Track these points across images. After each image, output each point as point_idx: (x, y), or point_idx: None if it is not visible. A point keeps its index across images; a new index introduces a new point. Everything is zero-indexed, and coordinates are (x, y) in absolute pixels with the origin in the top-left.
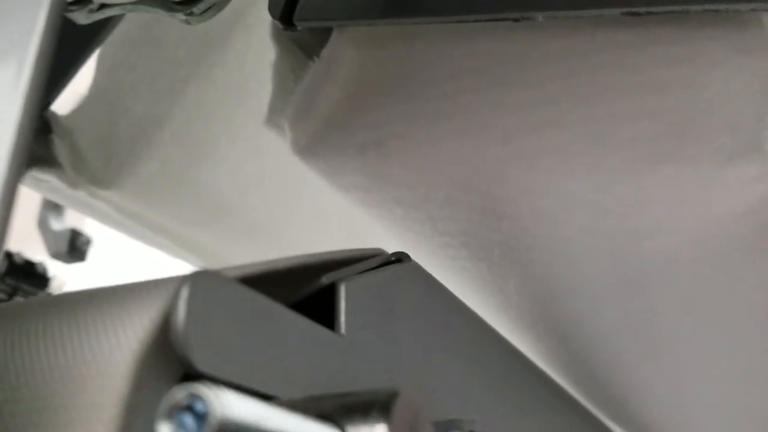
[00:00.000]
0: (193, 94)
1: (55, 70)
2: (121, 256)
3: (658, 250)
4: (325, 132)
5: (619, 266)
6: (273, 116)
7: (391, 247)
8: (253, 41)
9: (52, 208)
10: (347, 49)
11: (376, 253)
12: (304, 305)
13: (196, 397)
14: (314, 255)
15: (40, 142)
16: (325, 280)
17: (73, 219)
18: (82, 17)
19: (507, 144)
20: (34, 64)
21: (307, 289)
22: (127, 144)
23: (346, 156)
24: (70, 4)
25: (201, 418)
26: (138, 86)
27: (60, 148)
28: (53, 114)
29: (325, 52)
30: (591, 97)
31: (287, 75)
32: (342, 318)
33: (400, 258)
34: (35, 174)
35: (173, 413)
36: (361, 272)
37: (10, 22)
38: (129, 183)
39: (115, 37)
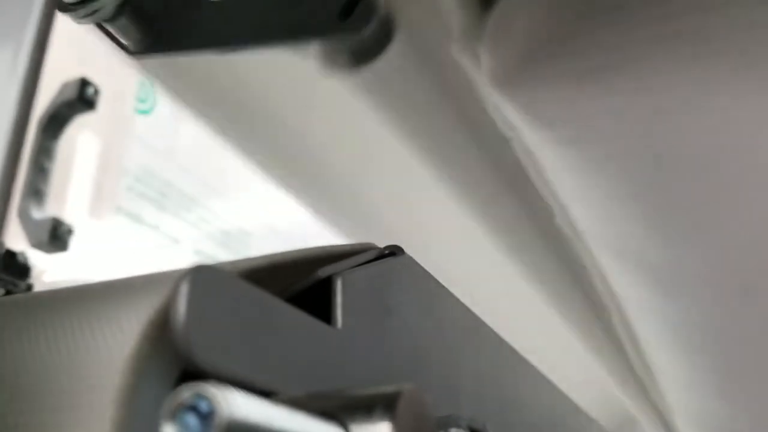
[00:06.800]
0: None
1: None
2: (103, 246)
3: None
4: (528, 60)
5: None
6: (464, 41)
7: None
8: None
9: (32, 196)
10: None
11: (369, 247)
12: (299, 299)
13: (201, 397)
14: (308, 249)
15: None
16: (321, 273)
17: (54, 207)
18: None
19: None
20: (30, 51)
21: (302, 283)
22: None
23: (554, 87)
24: None
25: (205, 418)
26: None
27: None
28: None
29: None
30: None
31: None
32: (338, 311)
33: (394, 252)
34: None
35: (176, 413)
36: (356, 266)
37: (7, 7)
38: None
39: None
